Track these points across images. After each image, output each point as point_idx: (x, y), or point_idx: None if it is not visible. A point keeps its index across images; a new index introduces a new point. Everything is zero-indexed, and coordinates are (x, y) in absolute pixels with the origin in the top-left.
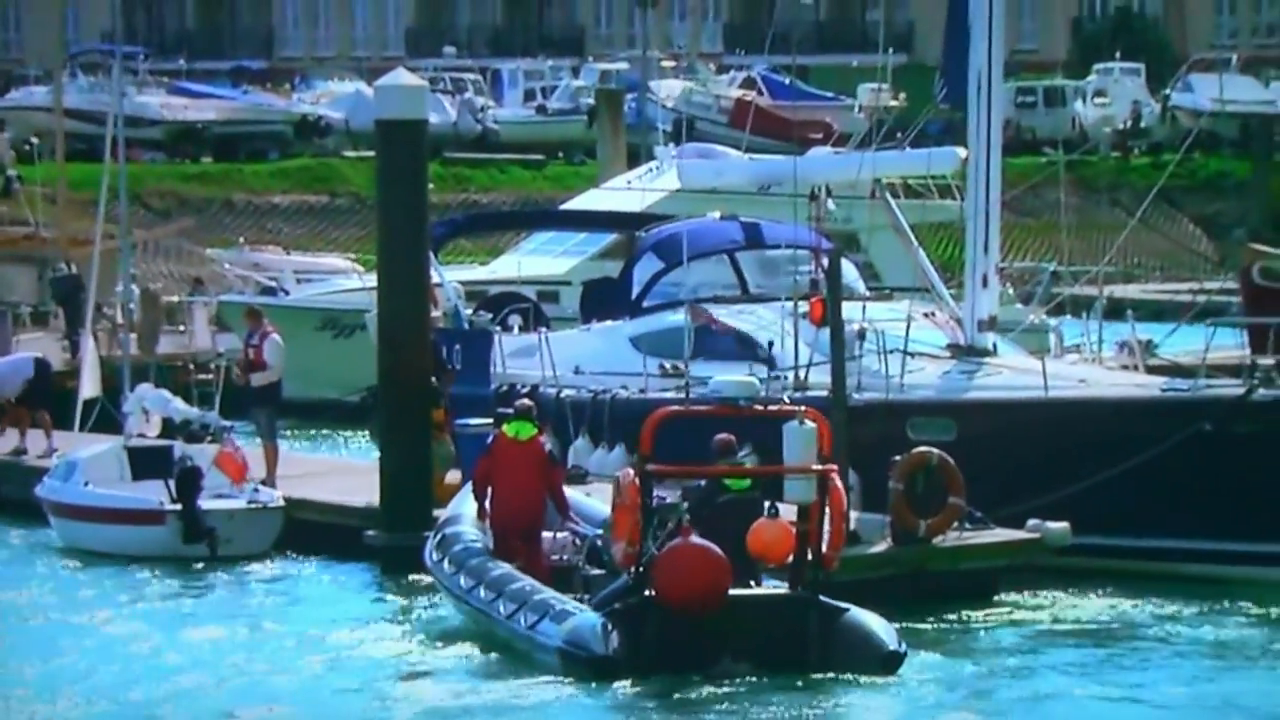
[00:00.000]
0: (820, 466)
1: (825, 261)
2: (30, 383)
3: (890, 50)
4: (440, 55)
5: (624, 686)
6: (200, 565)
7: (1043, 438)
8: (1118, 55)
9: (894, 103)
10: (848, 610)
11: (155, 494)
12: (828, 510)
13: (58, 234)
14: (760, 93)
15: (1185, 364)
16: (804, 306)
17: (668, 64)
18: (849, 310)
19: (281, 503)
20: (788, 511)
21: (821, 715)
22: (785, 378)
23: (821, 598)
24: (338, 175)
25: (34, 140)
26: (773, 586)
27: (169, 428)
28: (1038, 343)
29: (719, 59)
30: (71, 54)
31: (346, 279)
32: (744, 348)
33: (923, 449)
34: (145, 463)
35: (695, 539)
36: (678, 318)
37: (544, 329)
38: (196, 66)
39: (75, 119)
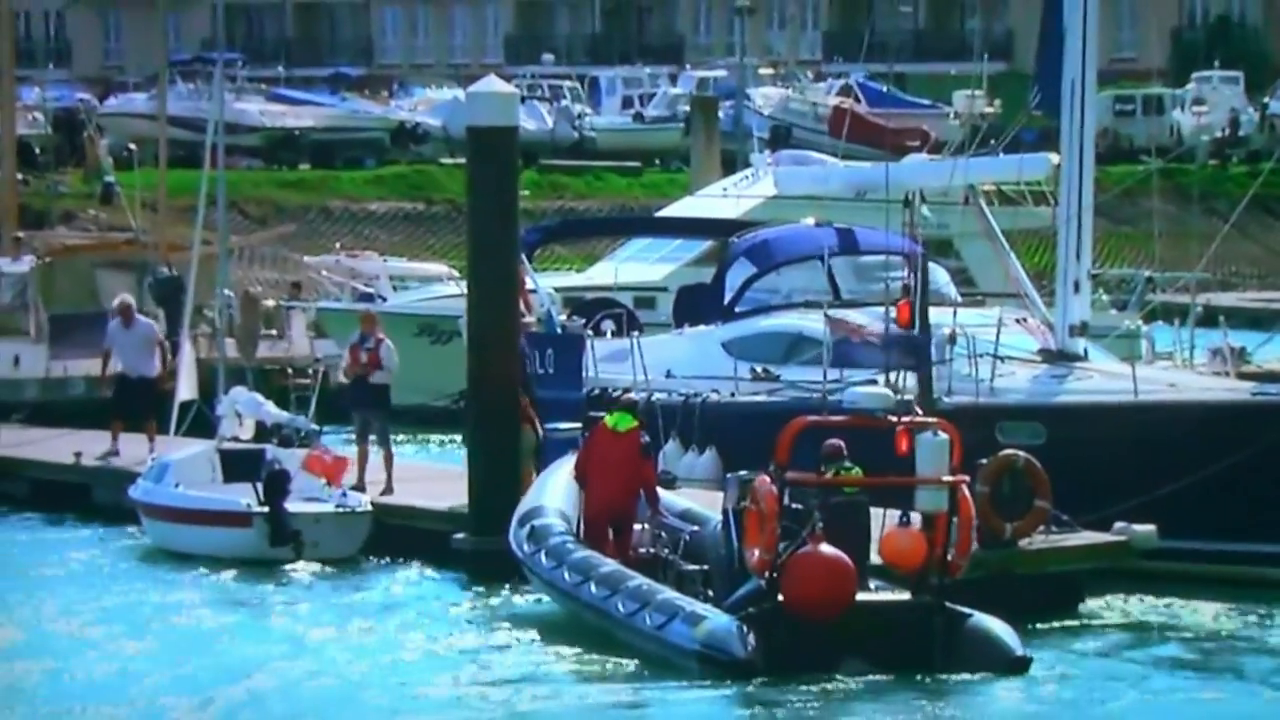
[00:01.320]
0: (951, 478)
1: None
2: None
3: (986, 57)
4: (539, 63)
5: (759, 688)
6: (287, 568)
7: (1131, 442)
8: (1216, 64)
9: (989, 109)
10: (971, 615)
11: (245, 496)
12: (955, 520)
13: (157, 239)
14: (857, 100)
15: (1277, 371)
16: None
17: (766, 71)
18: (940, 315)
19: (369, 507)
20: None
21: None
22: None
23: (946, 604)
24: (434, 182)
25: (132, 147)
26: (878, 589)
27: (264, 431)
28: (1131, 349)
29: (817, 67)
30: (172, 61)
31: (443, 285)
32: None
33: (1009, 451)
34: (237, 465)
35: (825, 547)
36: (770, 322)
37: (636, 333)
38: (295, 74)
39: (174, 126)
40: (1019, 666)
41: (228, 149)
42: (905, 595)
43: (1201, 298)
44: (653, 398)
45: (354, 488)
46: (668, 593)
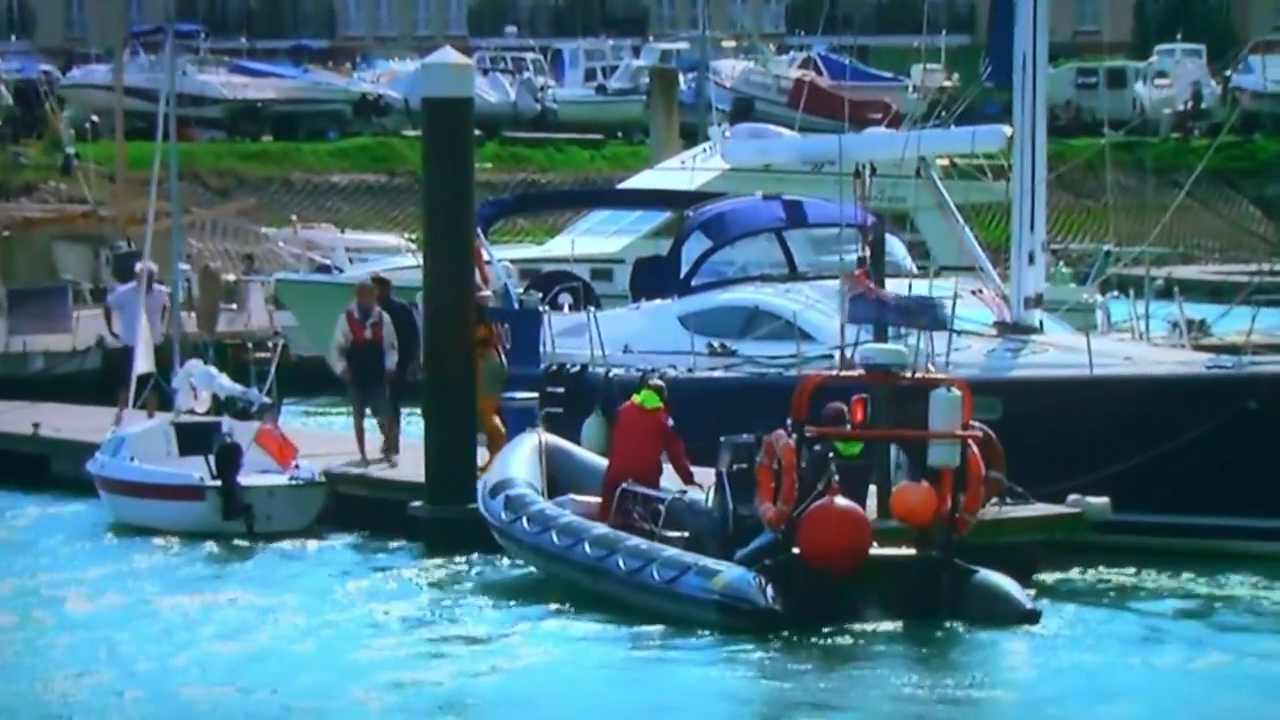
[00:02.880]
0: (963, 432)
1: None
2: None
3: (945, 31)
4: (502, 35)
5: (779, 639)
6: (241, 541)
7: (1087, 415)
8: (1179, 37)
9: (947, 83)
10: (977, 571)
11: (198, 470)
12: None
13: (116, 212)
14: (819, 73)
15: (1233, 343)
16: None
17: (729, 44)
18: (895, 287)
19: (322, 479)
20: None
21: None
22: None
23: (955, 560)
24: (396, 155)
25: (95, 118)
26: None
27: (223, 404)
28: (1088, 322)
29: (780, 39)
30: (133, 32)
31: (400, 257)
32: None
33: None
34: (192, 439)
35: (841, 500)
36: (727, 297)
37: (593, 308)
38: (258, 46)
39: (135, 97)
40: (1029, 619)
41: (190, 121)
42: (910, 551)
43: (1162, 271)
44: (610, 373)
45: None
46: (669, 550)
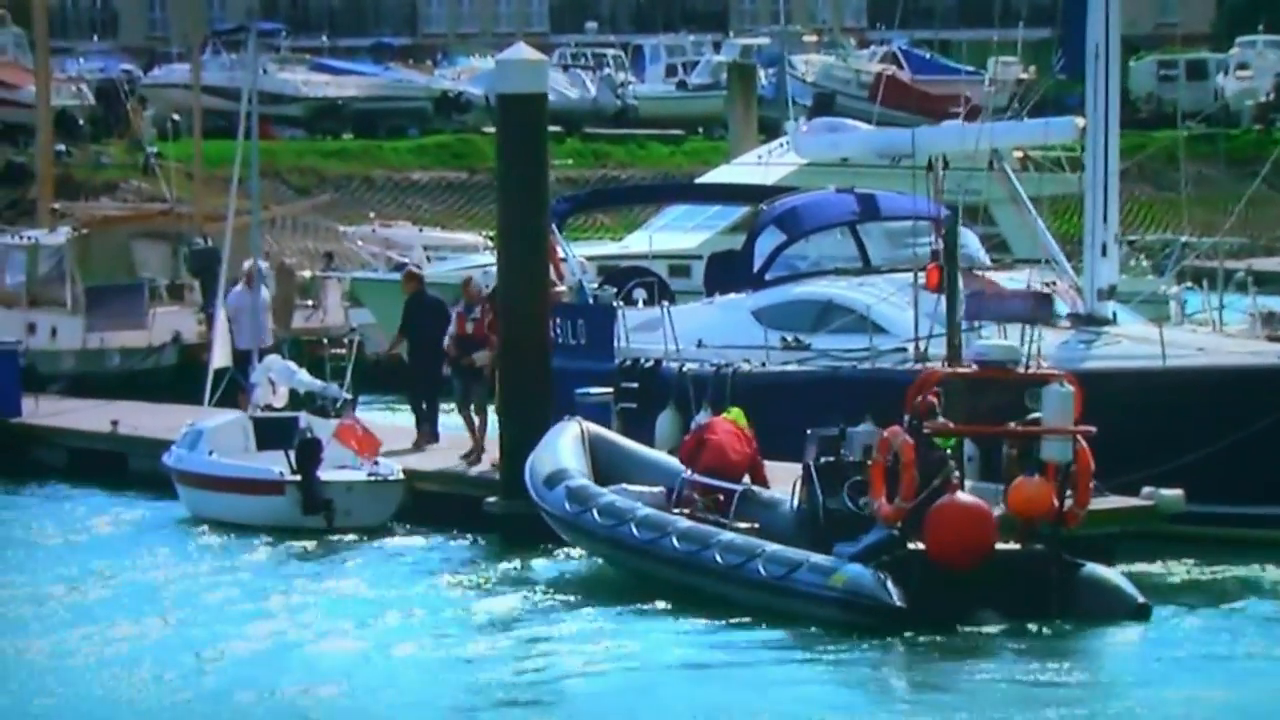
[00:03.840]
0: (1076, 428)
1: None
2: None
3: (1022, 24)
4: (583, 31)
5: (899, 635)
6: (321, 536)
7: (1159, 405)
8: (1261, 28)
9: (1024, 76)
10: (1084, 565)
11: (278, 465)
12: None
13: (194, 210)
14: (900, 67)
15: None
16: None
17: (810, 39)
18: (969, 280)
19: (401, 475)
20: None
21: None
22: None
23: (1063, 555)
24: (477, 151)
25: (175, 117)
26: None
27: (301, 400)
28: (1163, 314)
29: (861, 34)
30: (214, 31)
31: (477, 255)
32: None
33: (1037, 415)
34: (270, 433)
35: (965, 496)
36: (800, 290)
37: (667, 303)
38: (340, 44)
39: (216, 96)
40: (1141, 614)
41: (270, 119)
42: (1019, 546)
43: (1241, 263)
44: (684, 368)
45: (466, 456)
46: (769, 545)
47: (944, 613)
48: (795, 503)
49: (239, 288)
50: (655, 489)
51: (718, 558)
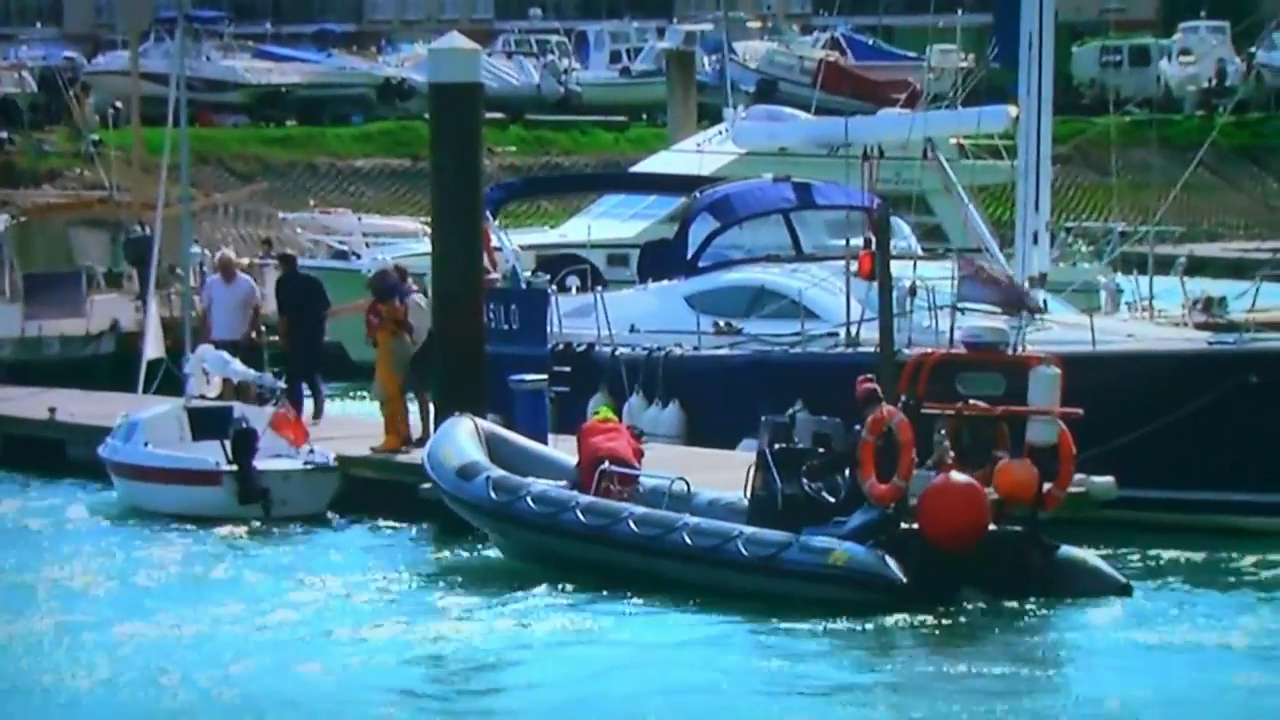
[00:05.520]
0: (1062, 409)
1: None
2: None
3: (959, 10)
4: (527, 18)
5: (897, 613)
6: (257, 525)
7: (1089, 392)
8: (1203, 14)
9: (963, 63)
10: (1059, 547)
11: (213, 455)
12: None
13: (133, 198)
14: (843, 53)
15: (1237, 320)
16: (855, 265)
17: (754, 25)
18: (900, 268)
19: (336, 463)
20: None
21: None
22: (838, 334)
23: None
24: (420, 139)
25: (118, 105)
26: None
27: (236, 389)
28: (1095, 302)
29: (805, 20)
30: (160, 19)
31: (416, 242)
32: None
33: (961, 403)
34: (205, 424)
35: (960, 476)
36: (733, 276)
37: (600, 289)
38: (283, 30)
39: (157, 83)
40: (1123, 593)
41: (213, 106)
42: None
43: (1183, 249)
44: (616, 352)
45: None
46: (742, 527)
47: (936, 592)
48: (749, 489)
49: (215, 277)
50: (561, 483)
51: (687, 540)
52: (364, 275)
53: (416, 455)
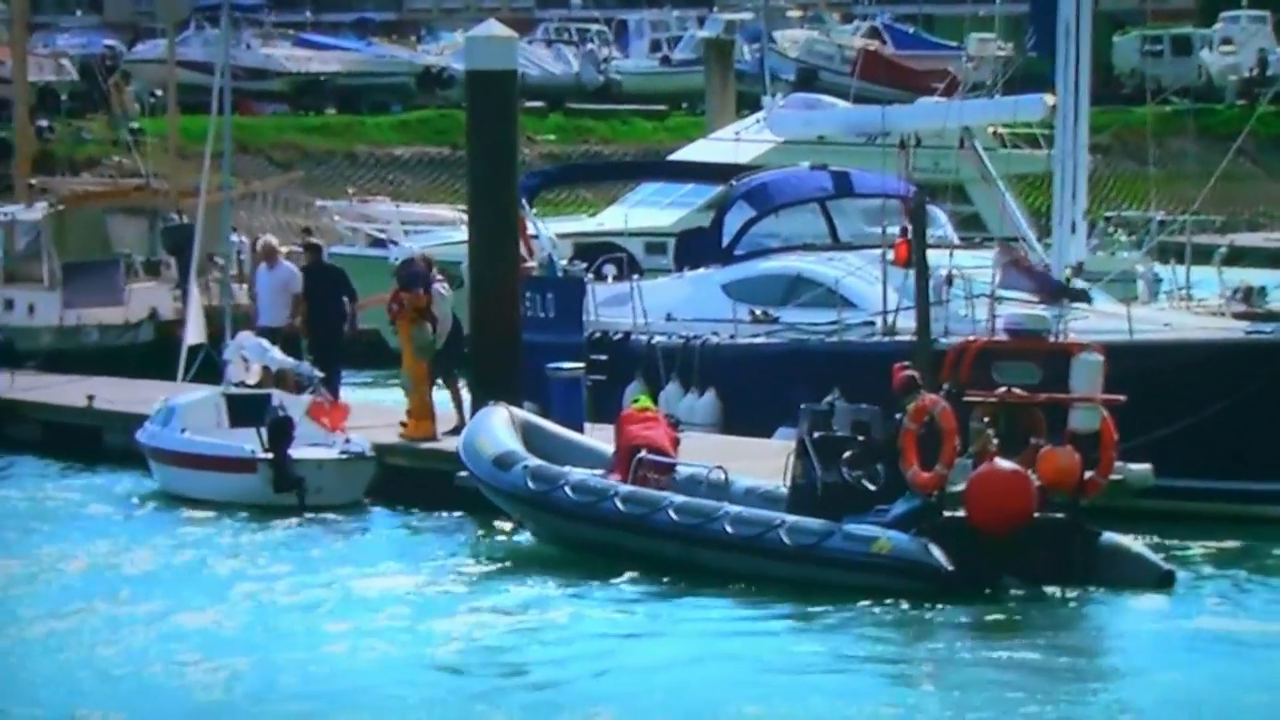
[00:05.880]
0: (1105, 396)
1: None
2: None
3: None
4: (567, 6)
5: (940, 601)
6: (292, 514)
7: (1126, 381)
8: (1244, 3)
9: (1002, 52)
10: (1101, 534)
11: (249, 442)
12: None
13: (170, 185)
14: (884, 42)
15: (1276, 310)
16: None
17: (794, 14)
18: (937, 257)
19: (372, 452)
20: None
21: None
22: (874, 323)
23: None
24: (459, 127)
25: (158, 93)
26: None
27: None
28: (1133, 291)
29: (845, 9)
30: (199, 7)
31: (454, 230)
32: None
33: (1004, 390)
34: (242, 411)
35: (1005, 463)
36: (769, 265)
37: (637, 277)
38: (323, 19)
39: (197, 71)
40: (1165, 582)
41: (253, 95)
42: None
43: (1224, 239)
44: (653, 340)
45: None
46: (784, 515)
47: (978, 579)
48: (788, 477)
49: (262, 266)
50: (596, 472)
51: (728, 528)
52: (390, 264)
53: (451, 443)
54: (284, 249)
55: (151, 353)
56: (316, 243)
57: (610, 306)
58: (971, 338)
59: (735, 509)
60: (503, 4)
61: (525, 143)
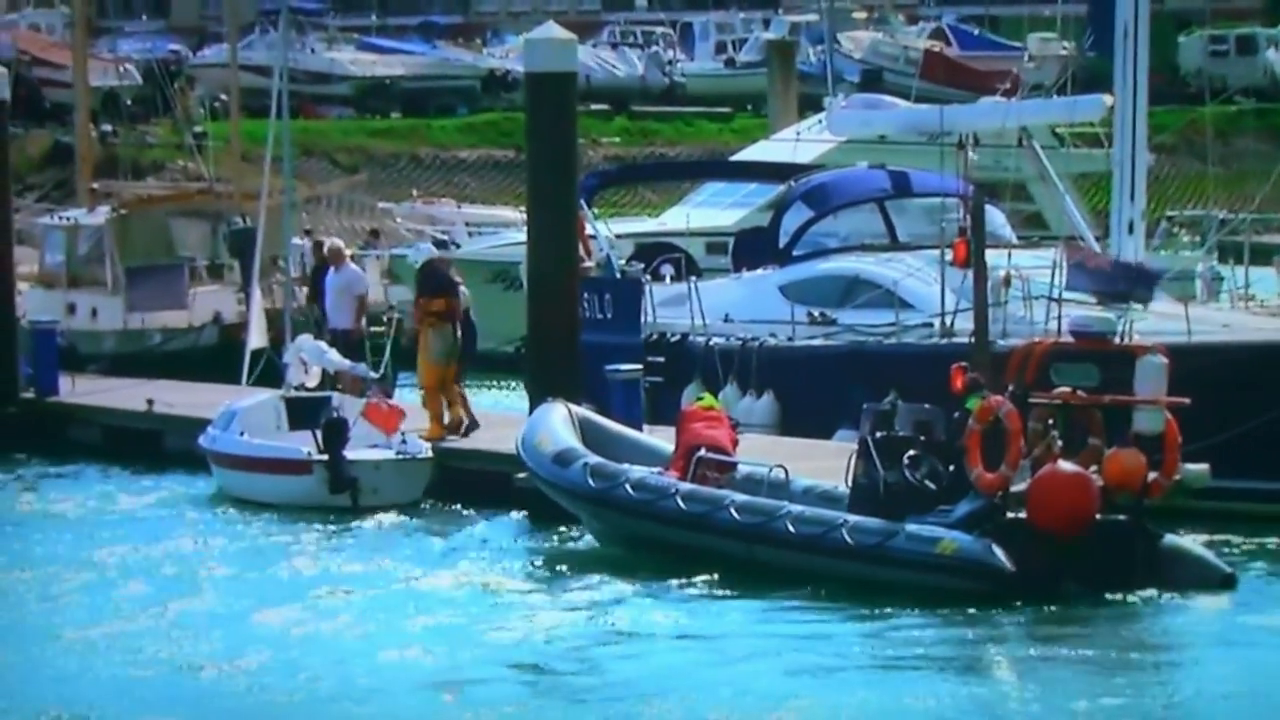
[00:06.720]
0: (1170, 399)
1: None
2: None
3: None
4: (633, 9)
5: (1002, 602)
6: (350, 514)
7: (1184, 381)
8: None
9: (1064, 52)
10: (1163, 535)
11: (306, 445)
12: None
13: (233, 189)
14: (949, 43)
15: None
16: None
17: (859, 15)
18: (996, 257)
19: (429, 453)
20: None
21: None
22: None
23: (1146, 524)
24: (524, 130)
25: (223, 97)
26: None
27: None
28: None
29: (911, 10)
30: (264, 10)
31: (517, 231)
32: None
33: (1061, 390)
34: (302, 413)
35: (1068, 465)
36: (827, 266)
37: (694, 278)
38: (389, 22)
39: (261, 75)
40: (1228, 583)
41: (318, 99)
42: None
43: None
44: (710, 342)
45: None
46: (846, 515)
47: (1040, 581)
48: (850, 477)
49: (331, 270)
50: (654, 469)
51: (790, 527)
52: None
53: (507, 444)
54: (348, 251)
55: (215, 356)
56: (338, 246)
57: (668, 307)
58: (1036, 339)
59: (797, 508)
60: (569, 6)
61: (589, 145)
